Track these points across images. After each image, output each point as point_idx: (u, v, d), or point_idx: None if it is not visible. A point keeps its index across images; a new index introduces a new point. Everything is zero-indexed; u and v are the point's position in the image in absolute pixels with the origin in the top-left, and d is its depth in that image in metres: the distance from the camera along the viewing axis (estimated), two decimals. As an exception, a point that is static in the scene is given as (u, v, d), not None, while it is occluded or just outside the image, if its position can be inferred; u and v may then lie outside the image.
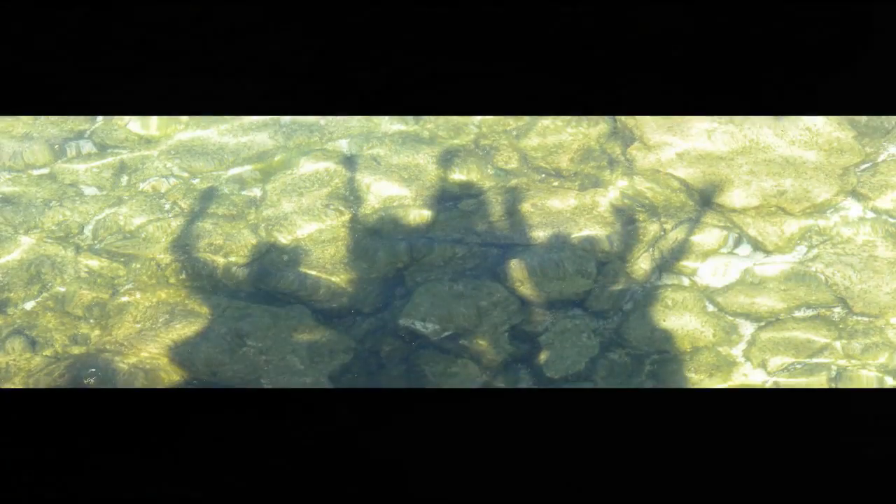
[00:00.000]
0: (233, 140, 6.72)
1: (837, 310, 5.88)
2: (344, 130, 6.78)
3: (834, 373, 5.61)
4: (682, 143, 6.67)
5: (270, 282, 5.95)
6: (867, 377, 5.56)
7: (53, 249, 6.07)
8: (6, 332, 5.64)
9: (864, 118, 6.80)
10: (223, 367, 5.48)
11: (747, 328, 5.83)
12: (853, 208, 6.37)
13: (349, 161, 6.60)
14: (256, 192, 6.43)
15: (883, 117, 6.81)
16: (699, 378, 5.59)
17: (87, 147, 6.72)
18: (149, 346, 5.57)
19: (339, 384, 5.47)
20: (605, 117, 6.82)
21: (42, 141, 6.68)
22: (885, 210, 6.31)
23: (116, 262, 6.02)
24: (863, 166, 6.60)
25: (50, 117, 6.79)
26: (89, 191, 6.42)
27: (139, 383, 5.39)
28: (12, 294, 5.84)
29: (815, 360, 5.68)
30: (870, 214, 6.32)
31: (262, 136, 6.72)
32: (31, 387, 5.34)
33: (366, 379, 5.54)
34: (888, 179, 6.47)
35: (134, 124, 6.80)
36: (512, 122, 6.86)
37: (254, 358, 5.52)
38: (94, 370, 5.46)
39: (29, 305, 5.80)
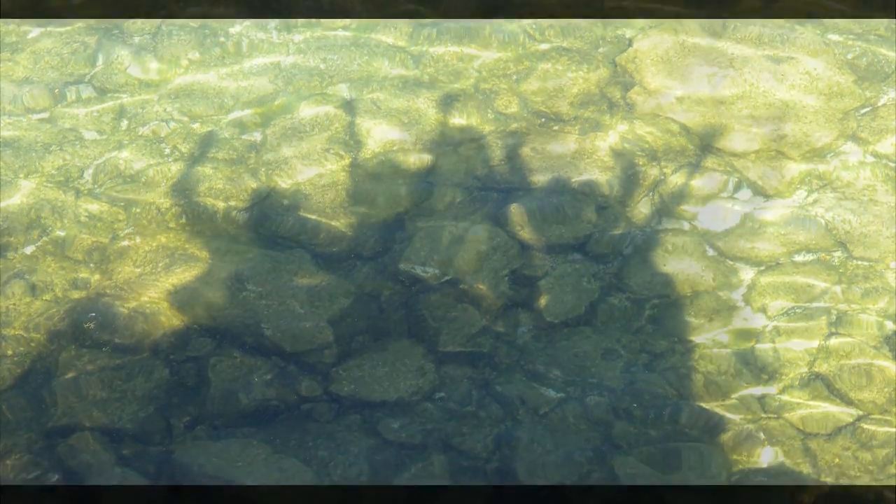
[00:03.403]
0: (233, 84, 6.65)
1: (837, 254, 5.84)
2: (344, 75, 6.70)
3: (834, 317, 5.57)
4: (681, 87, 6.61)
5: (270, 226, 5.90)
6: (867, 321, 5.51)
7: (53, 194, 6.01)
8: (6, 276, 5.61)
9: (864, 62, 6.71)
10: (223, 311, 5.46)
11: (747, 272, 5.79)
12: (853, 153, 6.32)
13: (349, 105, 6.52)
14: (256, 136, 6.36)
15: (882, 62, 6.72)
16: (699, 322, 5.56)
17: (87, 91, 6.63)
18: (149, 290, 5.54)
19: (339, 329, 5.45)
20: (606, 62, 6.73)
21: (42, 85, 6.60)
22: (885, 154, 6.27)
23: (116, 206, 5.96)
24: (863, 110, 6.54)
25: (50, 61, 6.70)
26: (89, 135, 6.35)
27: (139, 328, 5.38)
28: (12, 238, 5.79)
29: (814, 304, 5.65)
30: (870, 159, 6.28)
31: (261, 81, 6.66)
32: (31, 331, 5.34)
33: (365, 324, 5.52)
34: (888, 123, 6.42)
35: (134, 68, 6.71)
36: (512, 66, 6.77)
37: (254, 302, 5.50)
38: (93, 314, 5.44)
39: (29, 250, 5.76)
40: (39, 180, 6.09)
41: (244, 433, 5.05)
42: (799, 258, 5.84)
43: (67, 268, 5.69)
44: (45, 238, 5.81)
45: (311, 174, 6.13)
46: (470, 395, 5.26)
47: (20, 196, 5.99)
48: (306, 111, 6.49)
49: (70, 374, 5.20)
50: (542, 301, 5.63)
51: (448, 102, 6.54)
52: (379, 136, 6.34)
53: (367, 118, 6.42)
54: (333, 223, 5.90)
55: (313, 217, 5.92)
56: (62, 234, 5.82)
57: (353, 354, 5.40)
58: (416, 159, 6.23)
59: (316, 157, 6.21)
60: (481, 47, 6.88)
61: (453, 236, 5.82)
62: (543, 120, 6.47)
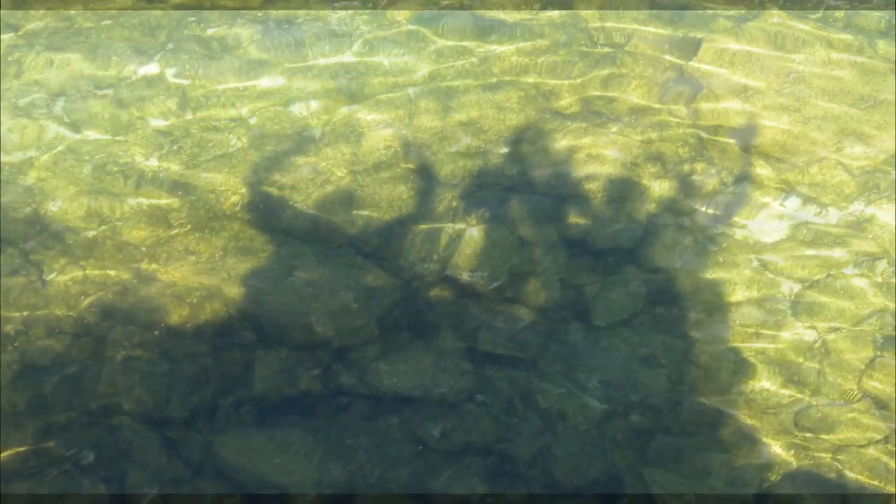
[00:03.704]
0: (296, 82, 6.71)
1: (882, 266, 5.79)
2: (407, 79, 6.73)
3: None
4: (745, 100, 6.56)
5: (324, 221, 5.96)
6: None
7: (113, 181, 6.13)
8: (64, 260, 5.75)
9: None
10: (271, 301, 5.54)
11: (794, 286, 5.75)
12: (916, 168, 6.25)
13: (412, 105, 6.56)
14: (316, 132, 6.42)
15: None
16: (745, 330, 5.53)
17: (155, 78, 6.74)
18: (200, 276, 5.64)
19: (385, 322, 5.51)
20: (670, 67, 6.71)
21: (112, 62, 6.75)
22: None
23: (174, 196, 6.06)
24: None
25: (122, 44, 6.83)
26: (155, 123, 6.46)
27: (186, 311, 5.49)
28: (72, 224, 5.91)
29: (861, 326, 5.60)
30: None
31: (324, 79, 6.71)
32: (84, 312, 5.46)
33: (413, 317, 5.59)
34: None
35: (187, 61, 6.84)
36: (577, 71, 6.77)
37: (301, 291, 5.57)
38: (144, 297, 5.56)
39: (89, 235, 5.87)
40: (102, 167, 6.21)
41: (288, 422, 5.15)
42: (848, 271, 5.81)
43: (123, 253, 5.80)
44: (103, 226, 5.92)
45: (368, 171, 6.19)
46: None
47: (82, 183, 6.12)
48: (368, 111, 6.52)
49: (118, 355, 5.31)
50: (591, 304, 5.65)
51: (505, 105, 6.54)
52: (436, 136, 6.40)
53: (427, 119, 6.47)
54: (385, 221, 5.96)
55: (365, 213, 5.98)
56: (120, 223, 5.94)
57: (397, 349, 5.48)
58: (470, 161, 6.27)
59: (373, 156, 6.27)
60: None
61: (505, 239, 5.85)
62: (603, 120, 6.47)
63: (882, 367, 5.39)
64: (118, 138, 6.35)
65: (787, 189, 6.15)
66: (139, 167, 6.19)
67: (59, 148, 6.27)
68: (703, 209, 6.06)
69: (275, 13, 7.15)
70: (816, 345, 5.50)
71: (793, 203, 6.10)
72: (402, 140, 6.32)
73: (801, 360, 5.45)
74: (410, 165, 6.21)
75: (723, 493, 4.91)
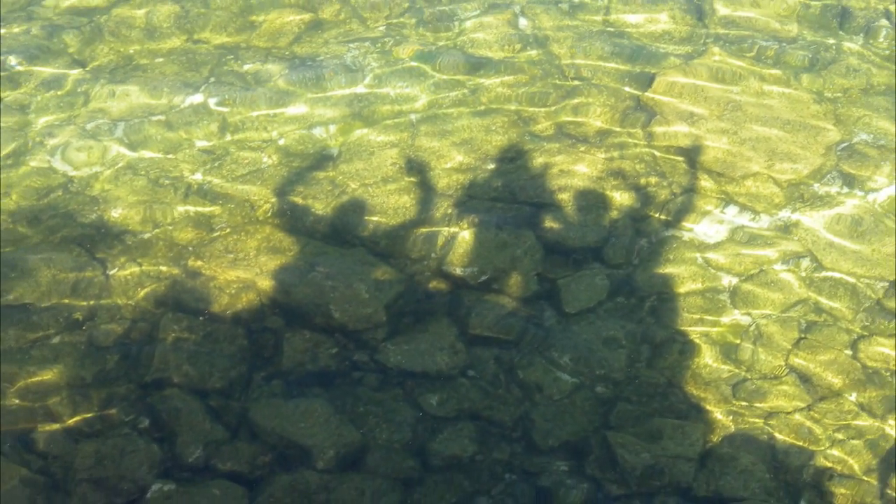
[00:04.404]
0: (317, 110, 6.74)
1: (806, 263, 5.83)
2: (410, 106, 6.75)
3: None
4: (692, 125, 6.57)
5: (341, 225, 5.97)
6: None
7: (166, 193, 6.16)
8: (123, 257, 5.76)
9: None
10: (298, 292, 5.53)
11: (733, 279, 5.77)
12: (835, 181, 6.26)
13: (414, 129, 6.58)
14: (334, 151, 6.44)
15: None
16: (692, 316, 5.55)
17: (200, 106, 6.76)
18: (237, 271, 5.64)
19: (391, 310, 5.50)
20: (629, 97, 6.71)
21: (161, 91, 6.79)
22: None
23: (216, 204, 6.09)
24: (842, 145, 6.48)
25: (170, 71, 6.81)
26: (200, 143, 6.49)
27: (227, 301, 5.51)
28: (130, 227, 5.94)
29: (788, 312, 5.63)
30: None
31: (340, 107, 6.72)
32: (140, 300, 5.50)
33: (415, 305, 5.58)
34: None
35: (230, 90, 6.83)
36: (551, 100, 6.77)
37: (321, 283, 5.56)
38: (190, 288, 5.58)
39: (144, 237, 5.89)
40: (156, 181, 6.24)
41: (311, 392, 5.13)
42: (778, 267, 5.82)
43: (173, 251, 5.81)
44: (156, 229, 5.94)
45: (378, 184, 6.19)
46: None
47: (139, 194, 6.13)
48: (378, 132, 6.56)
49: (168, 336, 5.31)
50: (562, 295, 5.63)
51: (492, 127, 6.56)
52: (435, 155, 6.40)
53: (426, 140, 6.49)
54: (393, 223, 5.95)
55: (375, 219, 5.98)
56: (171, 226, 5.96)
57: (401, 332, 5.47)
58: (463, 175, 6.27)
59: (383, 170, 6.27)
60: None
61: (492, 240, 5.84)
62: (572, 141, 6.46)
63: (806, 346, 5.38)
64: (169, 156, 6.40)
65: (726, 199, 6.16)
66: (186, 180, 6.23)
67: (120, 164, 6.30)
68: (656, 215, 6.07)
69: (299, 52, 7.18)
70: (751, 328, 5.50)
71: (731, 211, 6.12)
72: (405, 158, 6.36)
73: (737, 341, 5.44)
74: (412, 179, 6.23)
75: (673, 452, 4.87)
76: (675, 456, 4.90)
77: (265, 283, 5.58)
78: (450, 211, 6.03)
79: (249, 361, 5.28)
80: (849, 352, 5.38)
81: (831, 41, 7.20)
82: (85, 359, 5.24)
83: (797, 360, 5.34)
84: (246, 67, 6.98)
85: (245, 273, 5.63)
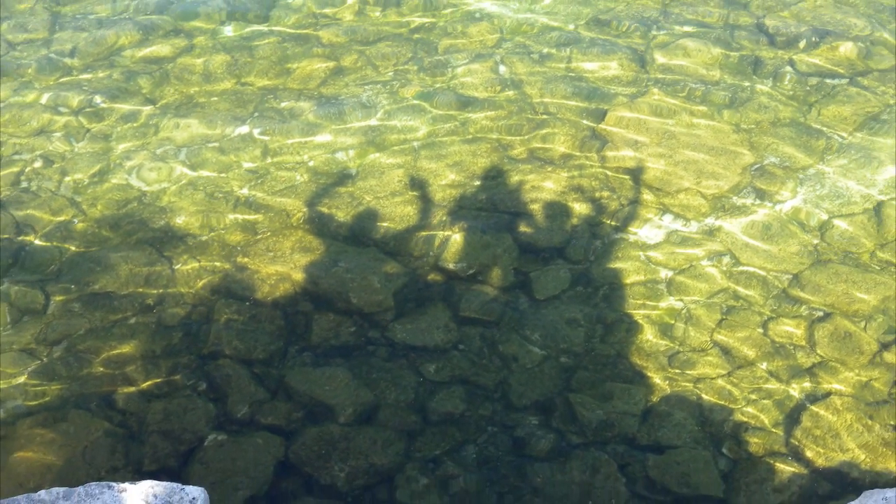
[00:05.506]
0: (339, 138, 6.69)
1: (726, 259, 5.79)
2: (413, 135, 6.71)
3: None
4: (636, 150, 6.53)
5: (358, 229, 5.93)
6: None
7: (219, 204, 6.12)
8: (185, 256, 5.73)
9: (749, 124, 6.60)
10: (324, 283, 5.50)
11: (668, 272, 5.73)
12: (749, 195, 6.22)
13: (416, 153, 6.54)
14: (353, 171, 6.40)
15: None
16: (636, 302, 5.51)
17: (246, 136, 6.70)
18: (276, 266, 5.61)
19: (398, 297, 5.46)
20: (586, 128, 6.67)
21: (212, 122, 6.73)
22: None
23: (259, 213, 6.04)
24: (755, 167, 6.42)
25: (219, 106, 6.75)
26: (246, 165, 6.44)
27: (267, 290, 5.47)
28: (190, 231, 5.91)
29: (712, 299, 5.58)
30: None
31: (358, 136, 6.69)
32: (199, 289, 5.45)
33: (416, 293, 5.53)
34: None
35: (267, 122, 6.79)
36: (525, 131, 6.73)
37: (342, 275, 5.53)
38: (238, 280, 5.55)
39: (202, 239, 5.86)
40: (211, 194, 6.20)
41: (334, 362, 5.11)
42: (705, 263, 5.77)
43: (225, 251, 5.78)
44: (212, 233, 5.91)
45: (387, 197, 6.14)
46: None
47: (198, 205, 6.11)
48: (387, 156, 6.50)
49: (221, 318, 5.31)
50: (533, 285, 5.60)
51: (477, 153, 6.50)
52: (434, 174, 6.35)
53: (427, 162, 6.43)
54: (398, 229, 5.91)
55: (385, 224, 5.94)
56: (223, 231, 5.93)
57: (406, 314, 5.44)
58: (455, 191, 6.22)
59: (391, 186, 6.22)
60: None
61: (479, 241, 5.80)
62: (541, 163, 6.42)
63: (726, 325, 5.35)
64: (222, 175, 6.35)
65: (663, 209, 6.12)
66: (235, 194, 6.18)
67: (183, 182, 6.27)
68: (608, 222, 6.02)
69: (325, 92, 7.14)
70: (683, 311, 5.46)
71: (667, 218, 6.07)
72: (409, 176, 6.31)
73: (672, 321, 5.40)
74: (415, 193, 6.18)
75: (621, 409, 4.86)
76: (622, 412, 4.89)
77: (298, 276, 5.55)
78: (444, 218, 5.99)
79: (286, 337, 5.25)
80: (760, 330, 5.35)
81: (746, 84, 7.16)
82: (155, 335, 5.22)
83: (720, 337, 5.31)
84: (283, 104, 6.94)
85: (282, 267, 5.60)
